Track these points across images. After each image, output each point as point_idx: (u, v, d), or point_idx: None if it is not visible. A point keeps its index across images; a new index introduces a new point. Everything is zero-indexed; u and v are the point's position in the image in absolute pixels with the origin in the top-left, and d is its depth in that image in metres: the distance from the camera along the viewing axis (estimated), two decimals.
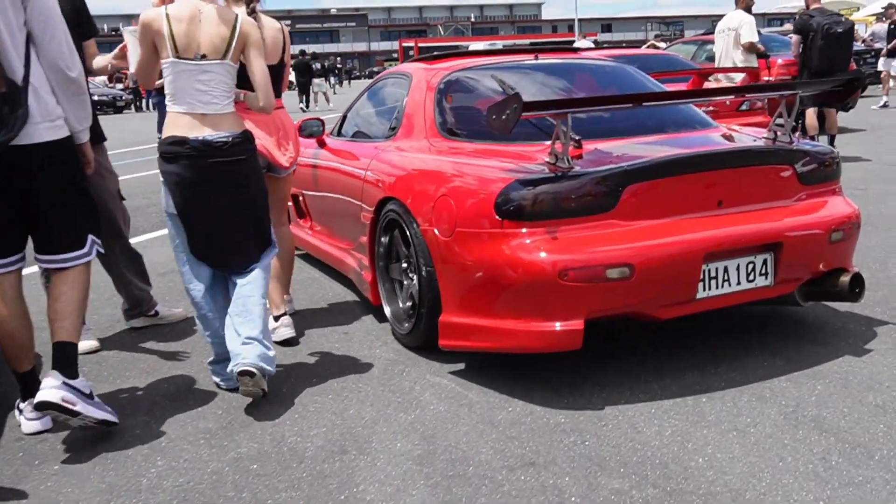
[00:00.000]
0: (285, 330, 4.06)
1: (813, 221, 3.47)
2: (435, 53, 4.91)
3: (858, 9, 29.99)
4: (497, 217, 3.15)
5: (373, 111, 4.95)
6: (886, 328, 3.81)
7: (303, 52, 26.25)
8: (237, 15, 3.40)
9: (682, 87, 7.87)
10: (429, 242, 3.48)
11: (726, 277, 3.27)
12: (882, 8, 12.66)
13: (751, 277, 3.32)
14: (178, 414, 3.29)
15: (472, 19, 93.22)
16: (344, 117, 5.22)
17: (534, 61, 4.45)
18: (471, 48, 44.84)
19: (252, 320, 3.30)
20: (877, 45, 16.73)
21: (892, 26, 16.01)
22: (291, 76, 29.02)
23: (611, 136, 3.68)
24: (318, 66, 27.73)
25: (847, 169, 7.82)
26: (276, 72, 4.00)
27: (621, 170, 3.17)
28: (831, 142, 9.22)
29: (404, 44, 60.04)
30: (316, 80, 26.39)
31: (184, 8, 3.29)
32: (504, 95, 3.65)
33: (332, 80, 35.17)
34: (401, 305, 3.94)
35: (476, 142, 3.81)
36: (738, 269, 3.28)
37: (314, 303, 4.79)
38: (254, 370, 3.17)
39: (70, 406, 2.89)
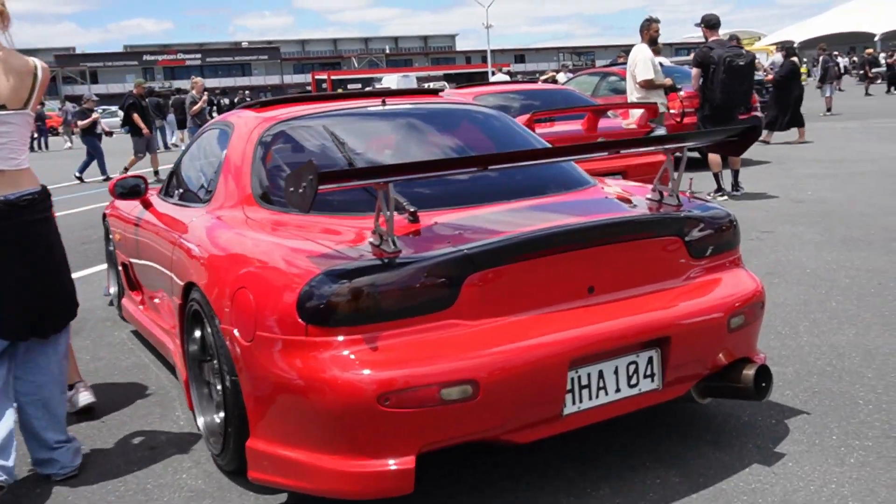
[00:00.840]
0: (84, 395, 3.77)
1: (707, 306, 2.80)
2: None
3: (760, 38, 30.60)
4: (300, 320, 2.39)
5: (195, 169, 4.11)
6: (800, 420, 3.19)
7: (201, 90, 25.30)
8: (35, 62, 3.09)
9: (577, 123, 7.32)
10: (230, 346, 2.70)
11: (602, 385, 2.57)
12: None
13: (633, 382, 2.63)
14: None
15: (387, 51, 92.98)
16: (172, 174, 4.38)
17: (380, 108, 3.71)
18: (384, 80, 44.27)
19: (58, 422, 3.17)
20: None
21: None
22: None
23: (459, 205, 2.97)
24: (227, 101, 27.19)
25: (752, 207, 7.21)
26: None
27: (461, 254, 2.44)
28: (735, 178, 8.83)
29: (317, 76, 59.30)
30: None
31: None
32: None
33: None
34: (215, 416, 3.14)
35: (300, 212, 3.05)
36: (615, 372, 2.59)
37: (129, 398, 3.94)
38: (76, 472, 3.15)
39: None
